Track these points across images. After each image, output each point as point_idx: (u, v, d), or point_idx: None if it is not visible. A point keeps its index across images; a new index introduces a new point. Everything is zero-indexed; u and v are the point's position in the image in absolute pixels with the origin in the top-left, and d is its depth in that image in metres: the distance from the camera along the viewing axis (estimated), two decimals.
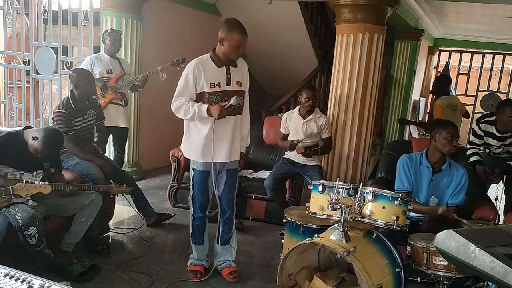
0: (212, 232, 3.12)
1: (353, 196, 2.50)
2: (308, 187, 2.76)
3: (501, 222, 3.38)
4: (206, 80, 2.70)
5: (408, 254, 2.53)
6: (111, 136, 4.37)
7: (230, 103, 2.67)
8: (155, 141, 5.68)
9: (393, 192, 2.51)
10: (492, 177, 3.51)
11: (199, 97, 2.73)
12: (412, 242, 2.52)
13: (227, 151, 2.82)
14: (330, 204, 2.40)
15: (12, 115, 5.79)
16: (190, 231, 3.03)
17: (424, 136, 6.80)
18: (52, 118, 3.32)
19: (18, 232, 2.59)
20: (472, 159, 3.57)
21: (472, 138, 3.71)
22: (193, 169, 2.90)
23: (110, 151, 4.58)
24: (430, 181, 3.04)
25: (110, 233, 3.61)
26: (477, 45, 8.90)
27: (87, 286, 2.78)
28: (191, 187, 2.95)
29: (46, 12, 5.32)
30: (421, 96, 8.80)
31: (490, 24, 7.03)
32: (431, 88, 7.16)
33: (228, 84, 2.74)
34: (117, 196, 3.45)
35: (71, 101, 3.29)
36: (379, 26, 4.11)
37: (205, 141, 2.78)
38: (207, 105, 2.67)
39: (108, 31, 4.32)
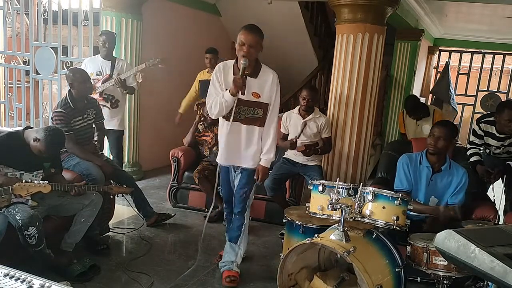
0: (219, 235, 3.14)
1: (353, 196, 2.51)
2: (308, 187, 2.76)
3: (501, 222, 3.38)
4: (224, 85, 2.77)
5: (408, 254, 2.53)
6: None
7: (241, 67, 2.65)
8: (155, 141, 5.68)
9: (393, 192, 2.51)
10: (493, 177, 3.51)
11: None
12: (412, 242, 2.52)
13: (236, 157, 2.89)
14: (330, 204, 2.40)
15: (12, 115, 5.79)
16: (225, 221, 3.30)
17: None
18: (51, 118, 3.31)
19: (18, 232, 2.59)
20: (472, 159, 3.56)
21: (472, 138, 3.70)
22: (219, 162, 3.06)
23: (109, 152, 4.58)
24: (429, 181, 3.04)
25: (110, 233, 3.61)
26: (477, 45, 8.90)
27: (87, 286, 2.78)
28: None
29: (46, 12, 5.32)
30: (421, 96, 8.80)
31: (490, 24, 7.03)
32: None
33: (243, 93, 2.73)
34: (117, 196, 3.44)
35: (69, 101, 3.29)
36: (379, 26, 4.11)
37: (221, 143, 2.92)
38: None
39: (102, 32, 4.30)
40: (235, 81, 2.66)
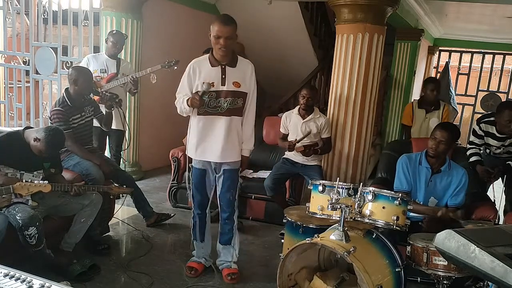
0: (215, 232, 3.13)
1: (353, 196, 2.50)
2: (308, 187, 2.76)
3: (501, 222, 3.38)
4: (200, 80, 2.72)
5: (408, 254, 2.53)
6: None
7: (201, 89, 2.66)
8: (155, 141, 5.68)
9: (393, 192, 2.51)
10: (493, 177, 3.51)
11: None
12: (412, 242, 2.52)
13: (219, 151, 2.80)
14: (330, 204, 2.40)
15: (12, 115, 5.79)
16: (191, 227, 3.09)
17: None
18: (50, 118, 3.31)
19: (18, 232, 2.58)
20: (472, 159, 3.56)
21: (472, 138, 3.70)
22: (192, 166, 2.95)
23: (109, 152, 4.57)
24: (428, 182, 3.04)
25: (110, 233, 3.61)
26: (477, 45, 8.91)
27: (87, 286, 2.78)
28: (191, 184, 3.01)
29: (46, 12, 5.32)
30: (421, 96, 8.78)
31: (490, 24, 7.03)
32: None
33: (223, 84, 2.72)
34: (121, 196, 3.43)
35: (67, 99, 3.29)
36: (379, 26, 4.11)
37: (196, 139, 2.83)
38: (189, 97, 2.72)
39: (114, 32, 4.26)
40: (193, 100, 2.64)
